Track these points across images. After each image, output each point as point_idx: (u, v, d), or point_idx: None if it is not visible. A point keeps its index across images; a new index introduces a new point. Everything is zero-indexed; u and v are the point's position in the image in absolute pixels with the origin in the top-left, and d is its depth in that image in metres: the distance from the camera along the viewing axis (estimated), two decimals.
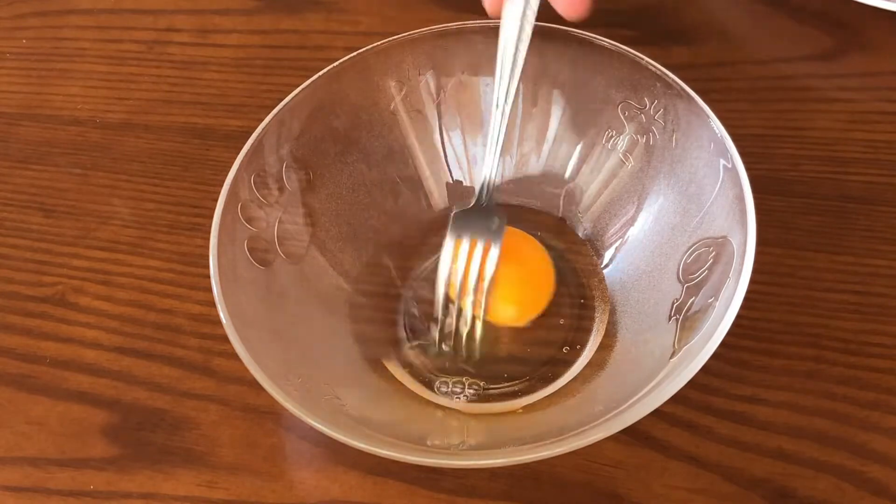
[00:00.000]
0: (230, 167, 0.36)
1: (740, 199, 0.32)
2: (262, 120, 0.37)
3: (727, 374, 0.36)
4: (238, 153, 0.36)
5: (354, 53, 0.39)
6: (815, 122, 0.44)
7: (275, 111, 0.38)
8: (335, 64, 0.39)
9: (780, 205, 0.41)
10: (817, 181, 0.42)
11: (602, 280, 0.39)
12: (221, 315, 0.32)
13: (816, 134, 0.44)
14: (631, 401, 0.30)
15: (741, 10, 0.51)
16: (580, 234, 0.40)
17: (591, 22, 0.51)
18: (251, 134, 0.37)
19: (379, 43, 0.39)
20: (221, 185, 0.35)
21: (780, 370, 0.36)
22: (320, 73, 0.39)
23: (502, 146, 0.37)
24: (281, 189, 0.38)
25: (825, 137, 0.44)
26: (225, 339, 0.31)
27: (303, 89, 0.38)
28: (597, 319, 0.38)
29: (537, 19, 0.36)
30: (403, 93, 0.40)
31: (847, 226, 0.40)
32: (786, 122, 0.45)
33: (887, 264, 0.39)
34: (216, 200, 0.35)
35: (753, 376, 0.36)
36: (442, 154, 0.42)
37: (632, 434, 0.34)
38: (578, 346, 0.37)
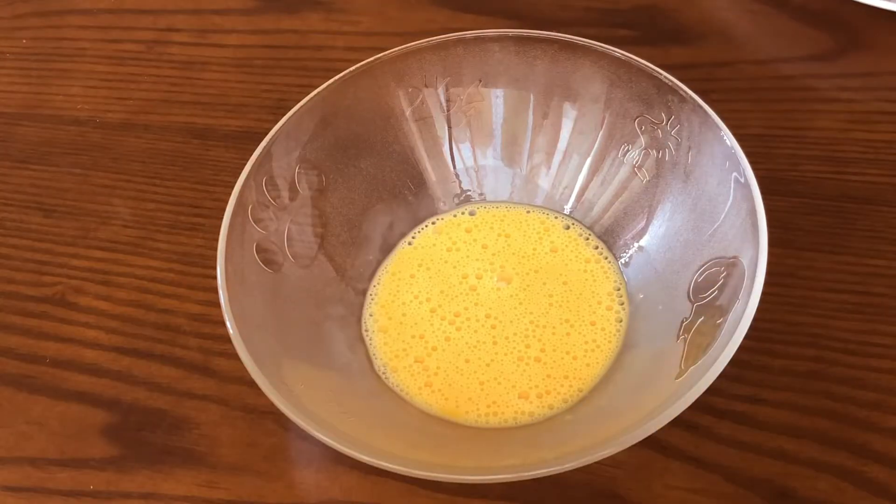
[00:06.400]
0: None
1: (752, 214, 0.32)
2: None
3: (727, 374, 0.35)
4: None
5: (369, 60, 0.39)
6: (815, 122, 0.44)
7: (289, 114, 0.37)
8: (349, 70, 0.38)
9: (781, 205, 0.41)
10: (817, 181, 0.42)
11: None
12: (227, 320, 0.31)
13: (816, 134, 0.44)
14: (633, 420, 0.29)
15: (741, 10, 0.51)
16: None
17: (590, 22, 0.51)
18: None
19: (392, 50, 0.39)
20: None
21: (780, 370, 0.36)
22: (334, 78, 0.38)
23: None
24: (293, 192, 0.37)
25: (825, 137, 0.44)
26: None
27: (316, 94, 0.38)
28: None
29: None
30: (416, 102, 0.40)
31: (847, 226, 0.40)
32: (786, 122, 0.45)
33: (887, 264, 0.39)
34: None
35: (753, 376, 0.36)
36: (451, 164, 0.41)
37: None
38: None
